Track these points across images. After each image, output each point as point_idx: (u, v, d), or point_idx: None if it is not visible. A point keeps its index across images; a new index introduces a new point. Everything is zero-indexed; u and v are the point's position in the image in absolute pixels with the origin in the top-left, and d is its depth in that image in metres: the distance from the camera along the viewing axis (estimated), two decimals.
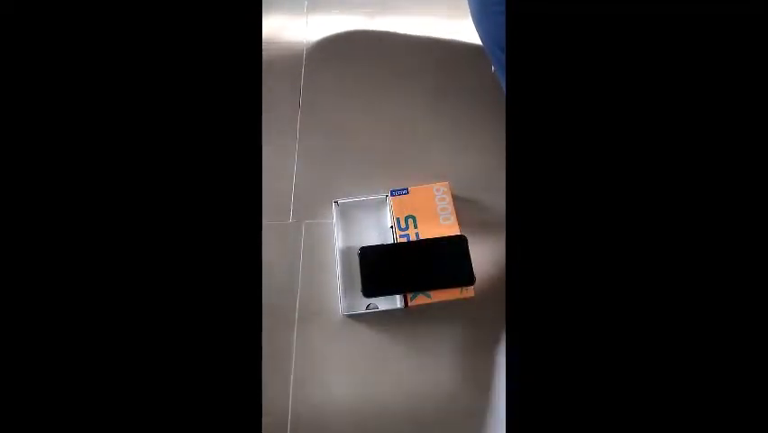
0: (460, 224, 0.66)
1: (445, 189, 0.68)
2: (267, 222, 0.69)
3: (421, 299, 0.62)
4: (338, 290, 0.64)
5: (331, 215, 0.69)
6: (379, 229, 0.69)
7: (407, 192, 0.68)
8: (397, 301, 0.63)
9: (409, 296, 0.63)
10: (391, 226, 0.67)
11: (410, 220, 0.67)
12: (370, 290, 0.62)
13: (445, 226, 0.66)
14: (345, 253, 0.66)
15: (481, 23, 0.71)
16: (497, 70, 0.73)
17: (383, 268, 0.62)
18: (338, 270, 0.65)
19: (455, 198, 0.68)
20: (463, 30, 0.84)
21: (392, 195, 0.68)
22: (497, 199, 0.71)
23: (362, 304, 0.63)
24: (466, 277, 0.61)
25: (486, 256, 0.65)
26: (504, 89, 0.66)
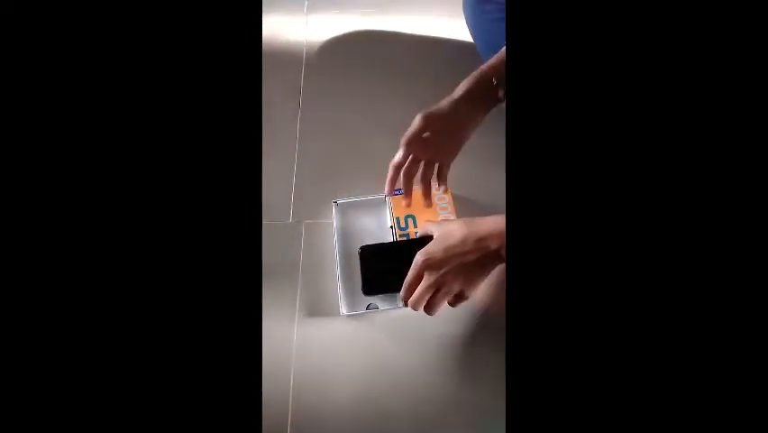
0: None
1: (444, 189, 0.68)
2: (267, 222, 0.69)
3: None
4: (338, 290, 0.64)
5: (331, 215, 0.69)
6: (379, 229, 0.69)
7: None
8: (397, 300, 0.63)
9: None
10: (391, 226, 0.67)
11: (410, 220, 0.67)
12: (370, 288, 0.62)
13: None
14: (345, 252, 0.66)
15: (475, 28, 0.71)
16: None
17: (383, 267, 0.62)
18: (338, 270, 0.65)
19: (455, 198, 0.68)
20: (463, 30, 0.83)
21: (392, 194, 0.68)
22: (497, 199, 0.71)
23: (362, 304, 0.63)
24: None
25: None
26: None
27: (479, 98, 0.57)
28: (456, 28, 0.86)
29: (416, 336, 0.64)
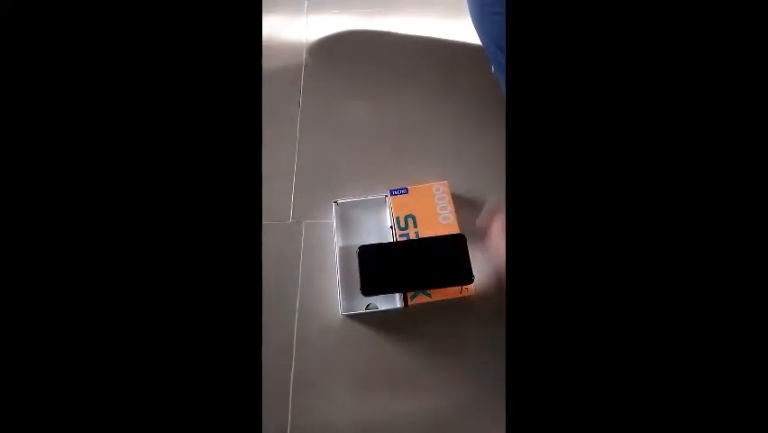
0: (459, 223, 0.66)
1: (444, 189, 0.68)
2: (267, 222, 0.69)
3: (421, 298, 0.62)
4: (337, 291, 0.64)
5: (331, 215, 0.69)
6: (379, 229, 0.69)
7: (407, 192, 0.68)
8: (396, 301, 0.63)
9: (409, 295, 0.63)
10: (391, 226, 0.67)
11: (410, 220, 0.67)
12: (368, 288, 0.62)
13: (445, 226, 0.66)
14: (345, 252, 0.66)
15: (480, 23, 0.71)
16: (496, 71, 0.73)
17: (382, 267, 0.62)
18: (337, 270, 0.65)
19: (455, 198, 0.68)
20: (463, 30, 0.84)
21: (392, 194, 0.68)
22: (496, 198, 0.71)
23: (362, 304, 0.63)
24: (465, 275, 0.61)
25: (486, 255, 0.65)
26: (503, 90, 0.66)
27: None
28: (456, 28, 0.86)
29: (416, 336, 0.64)
